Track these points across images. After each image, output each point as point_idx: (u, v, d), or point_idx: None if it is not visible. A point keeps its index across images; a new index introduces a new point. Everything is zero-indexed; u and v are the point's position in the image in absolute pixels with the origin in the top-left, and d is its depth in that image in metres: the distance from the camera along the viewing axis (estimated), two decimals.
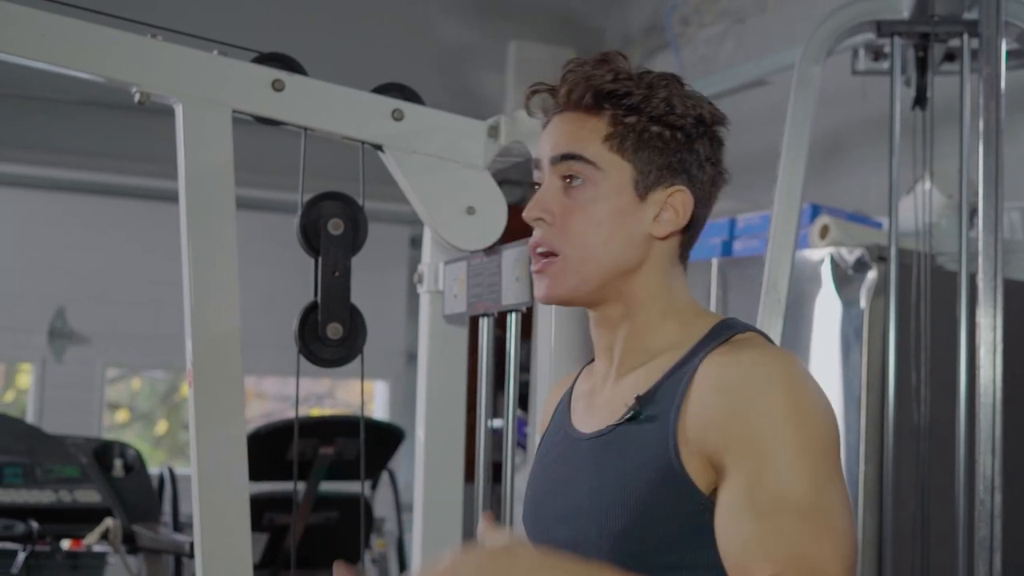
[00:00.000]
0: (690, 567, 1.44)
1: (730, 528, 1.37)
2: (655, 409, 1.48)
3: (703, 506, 1.43)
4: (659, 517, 1.44)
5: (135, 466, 4.93)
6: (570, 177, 1.56)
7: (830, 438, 1.42)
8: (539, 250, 1.58)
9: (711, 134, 1.59)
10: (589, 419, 1.60)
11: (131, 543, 4.64)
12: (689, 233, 1.60)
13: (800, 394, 1.42)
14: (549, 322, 2.30)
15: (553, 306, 2.18)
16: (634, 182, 1.55)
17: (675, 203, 1.56)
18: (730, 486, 1.39)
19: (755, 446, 1.38)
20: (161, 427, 7.20)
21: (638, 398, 1.50)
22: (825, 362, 3.18)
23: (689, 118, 1.56)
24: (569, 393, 1.70)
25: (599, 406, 1.60)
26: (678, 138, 1.56)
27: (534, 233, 1.59)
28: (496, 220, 2.37)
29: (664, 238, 1.57)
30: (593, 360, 1.70)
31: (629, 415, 1.50)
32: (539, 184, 1.60)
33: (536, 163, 1.62)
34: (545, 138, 1.61)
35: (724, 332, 1.52)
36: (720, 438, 1.41)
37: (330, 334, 2.27)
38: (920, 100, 3.10)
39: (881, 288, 3.10)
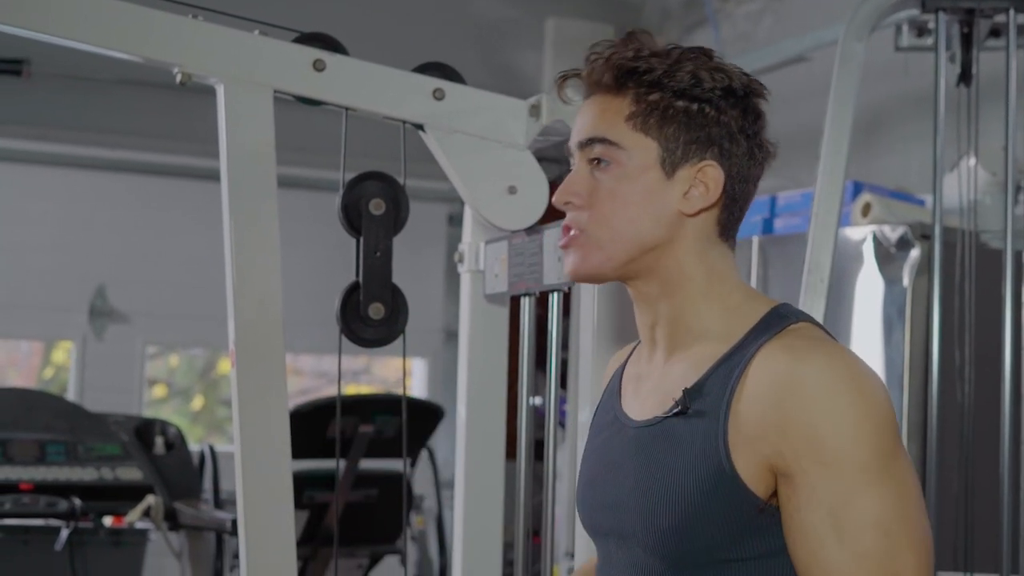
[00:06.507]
0: (743, 559, 1.43)
1: (811, 552, 1.38)
2: (703, 404, 1.45)
3: (761, 509, 1.41)
4: (711, 520, 1.41)
5: (176, 444, 4.95)
6: (597, 160, 1.53)
7: (893, 435, 1.39)
8: (571, 233, 1.56)
9: (744, 105, 1.53)
10: (637, 405, 1.57)
11: (172, 520, 4.67)
12: (729, 210, 1.54)
13: (864, 399, 1.38)
14: (592, 301, 2.29)
15: (596, 286, 2.17)
16: (660, 160, 1.51)
17: (704, 179, 1.51)
18: (807, 505, 1.37)
19: (827, 463, 1.36)
20: (198, 402, 7.24)
21: (685, 391, 1.46)
22: (867, 341, 3.16)
23: (717, 90, 1.51)
24: (621, 372, 1.66)
25: (646, 392, 1.57)
26: (705, 111, 1.51)
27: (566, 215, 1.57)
28: (538, 199, 2.36)
29: (694, 215, 1.52)
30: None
31: (677, 409, 1.46)
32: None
33: (568, 150, 1.59)
34: (575, 124, 1.58)
35: (777, 322, 1.47)
36: (780, 444, 1.38)
37: (372, 314, 2.27)
38: (965, 77, 3.06)
39: (924, 266, 3.08)
